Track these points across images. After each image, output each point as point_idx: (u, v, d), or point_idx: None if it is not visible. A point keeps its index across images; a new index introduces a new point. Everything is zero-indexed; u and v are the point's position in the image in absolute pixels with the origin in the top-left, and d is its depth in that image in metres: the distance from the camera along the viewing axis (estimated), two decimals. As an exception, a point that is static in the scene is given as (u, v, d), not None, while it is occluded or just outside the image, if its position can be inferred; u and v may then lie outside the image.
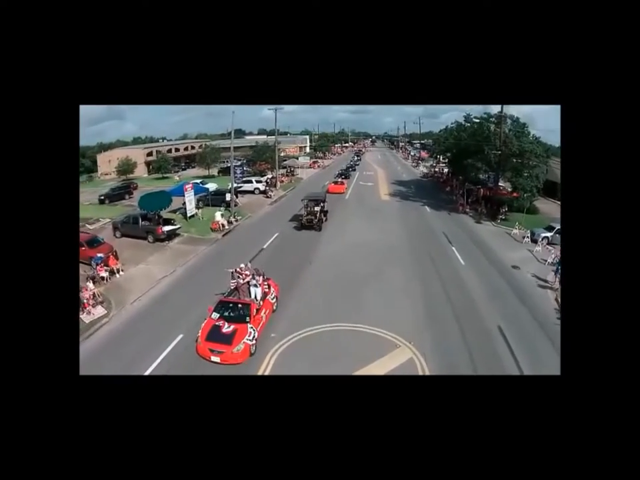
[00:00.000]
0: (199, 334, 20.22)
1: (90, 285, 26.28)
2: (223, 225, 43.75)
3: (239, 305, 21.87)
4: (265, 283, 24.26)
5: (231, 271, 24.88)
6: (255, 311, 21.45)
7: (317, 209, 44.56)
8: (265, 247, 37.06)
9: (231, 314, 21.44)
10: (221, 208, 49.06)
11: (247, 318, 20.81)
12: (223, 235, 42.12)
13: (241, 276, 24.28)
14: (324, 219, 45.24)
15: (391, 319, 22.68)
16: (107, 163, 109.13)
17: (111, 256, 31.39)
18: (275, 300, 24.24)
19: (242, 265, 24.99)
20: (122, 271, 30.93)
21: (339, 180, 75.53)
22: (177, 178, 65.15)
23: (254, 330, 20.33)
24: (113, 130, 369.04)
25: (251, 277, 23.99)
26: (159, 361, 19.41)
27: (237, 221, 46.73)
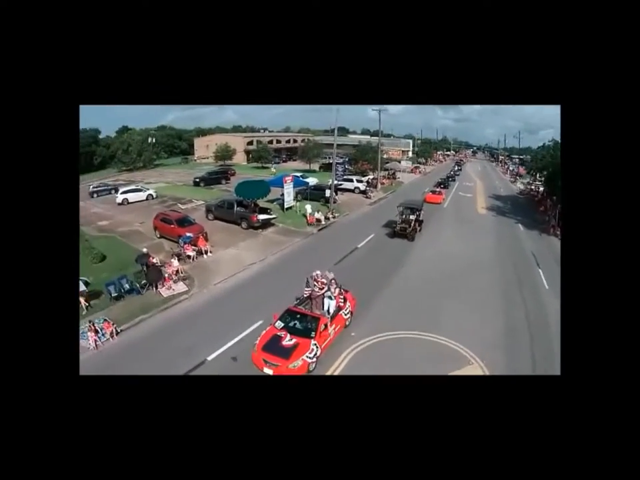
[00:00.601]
0: (257, 341, 18.92)
1: (175, 261, 27.11)
2: (319, 220, 43.70)
3: (307, 318, 20.17)
4: (341, 296, 22.11)
5: (307, 277, 22.25)
6: (323, 326, 19.52)
7: (412, 217, 41.85)
8: (359, 246, 36.79)
9: (297, 326, 19.83)
10: (309, 202, 48.94)
11: (313, 333, 19.07)
12: (319, 230, 42.01)
13: (316, 284, 21.60)
14: (418, 228, 42.29)
15: (468, 334, 22.24)
16: (205, 147, 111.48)
17: (201, 236, 31.91)
18: (349, 315, 22.26)
19: (318, 272, 21.87)
20: (210, 252, 31.42)
21: (438, 189, 70.76)
22: (273, 170, 64.82)
23: (317, 347, 18.72)
24: (212, 116, 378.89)
25: (326, 287, 21.65)
26: (234, 341, 19.97)
27: (334, 217, 46.47)
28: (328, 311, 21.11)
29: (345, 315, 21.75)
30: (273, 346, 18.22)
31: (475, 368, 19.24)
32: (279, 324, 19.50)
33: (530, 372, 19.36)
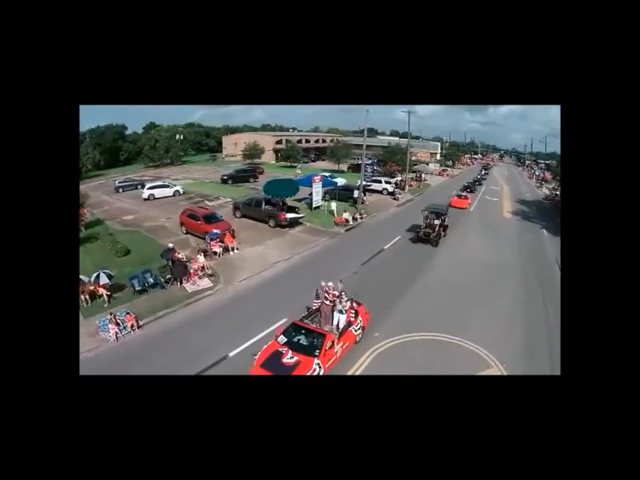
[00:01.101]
0: (257, 356, 17.51)
1: (200, 257, 27.24)
2: (347, 220, 43.79)
3: (313, 334, 18.59)
4: (352, 311, 20.26)
5: (317, 289, 20.74)
6: (329, 343, 17.82)
7: (437, 222, 40.40)
8: (385, 247, 36.79)
9: (301, 342, 18.30)
10: (337, 202, 49.00)
11: (317, 351, 17.47)
12: (346, 230, 42.03)
13: (327, 296, 19.95)
14: (443, 234, 41.42)
15: (489, 337, 22.31)
16: (233, 145, 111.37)
17: (228, 234, 32.13)
18: (359, 331, 20.49)
19: (330, 284, 20.27)
20: (237, 249, 31.60)
21: (464, 194, 68.40)
22: (298, 171, 64.66)
23: (320, 367, 16.99)
24: (240, 115, 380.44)
25: (338, 299, 20.02)
26: (257, 338, 19.91)
27: (362, 218, 46.40)
28: (337, 326, 19.54)
29: (356, 330, 20.14)
30: (272, 363, 16.80)
31: (494, 372, 19.26)
32: (282, 338, 18.12)
33: (549, 372, 19.42)
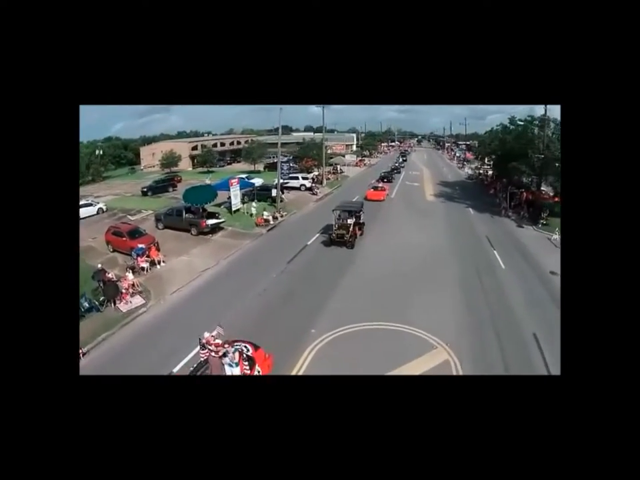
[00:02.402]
0: None
1: (129, 275, 26.82)
2: (268, 220, 44.11)
3: None
4: (246, 363, 16.98)
5: (200, 339, 17.53)
6: None
7: (351, 221, 38.35)
8: (309, 243, 37.37)
9: None
10: (256, 203, 49.32)
11: None
12: (268, 230, 42.40)
13: (210, 347, 17.05)
14: (359, 232, 39.61)
15: (429, 320, 22.71)
16: (151, 156, 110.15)
17: (153, 247, 31.81)
18: None
19: (207, 334, 17.24)
20: (163, 262, 31.46)
21: (380, 185, 66.94)
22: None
23: None
24: (158, 123, 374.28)
25: (222, 349, 17.01)
26: (194, 352, 19.16)
27: (282, 216, 46.90)
28: None
29: None
30: None
31: (440, 352, 19.77)
32: None
33: (496, 349, 20.26)
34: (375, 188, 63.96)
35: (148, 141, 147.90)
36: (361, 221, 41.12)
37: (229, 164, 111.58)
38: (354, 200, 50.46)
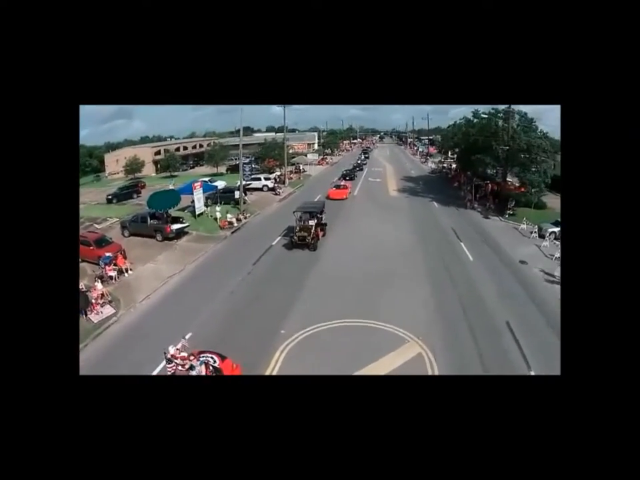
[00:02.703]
0: None
1: (98, 284, 26.43)
2: (232, 223, 44.01)
3: None
4: (214, 375, 16.77)
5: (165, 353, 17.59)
6: None
7: (312, 223, 37.52)
8: (273, 243, 37.46)
9: None
10: (219, 206, 49.19)
11: None
12: (232, 233, 42.27)
13: (177, 360, 17.08)
14: (321, 234, 38.80)
15: (400, 315, 22.69)
16: (115, 163, 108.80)
17: (120, 255, 31.55)
18: None
19: (172, 349, 17.26)
20: (131, 270, 31.13)
21: (342, 184, 66.23)
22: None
23: None
24: (122, 129, 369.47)
25: (188, 362, 17.09)
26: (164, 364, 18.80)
27: (245, 218, 46.85)
28: None
29: None
30: None
31: (413, 345, 19.88)
32: None
33: (470, 340, 20.47)
34: (337, 187, 63.51)
35: (112, 147, 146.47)
36: (323, 222, 40.76)
37: (192, 168, 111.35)
38: (315, 200, 50.60)
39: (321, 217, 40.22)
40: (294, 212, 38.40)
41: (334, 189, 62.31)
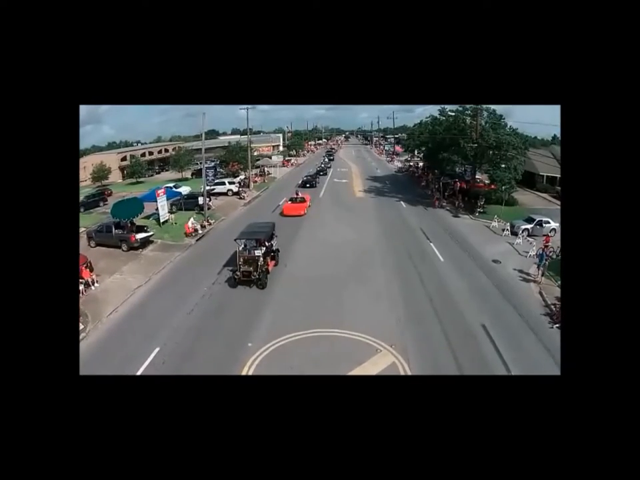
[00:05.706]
0: None
1: None
2: (197, 230, 43.59)
3: None
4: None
5: None
6: None
7: (259, 253, 29.27)
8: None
9: None
10: (184, 212, 49.19)
11: None
12: (197, 240, 41.98)
13: None
14: (272, 264, 31.29)
15: (370, 323, 22.34)
16: (82, 170, 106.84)
17: (84, 268, 30.73)
18: None
19: None
20: (97, 282, 30.58)
21: (299, 196, 55.29)
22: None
23: None
24: (90, 135, 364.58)
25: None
26: (138, 373, 19.06)
27: (210, 224, 46.55)
28: None
29: None
30: None
31: (386, 354, 19.49)
32: None
33: (444, 345, 20.21)
34: (293, 200, 53.59)
35: (80, 153, 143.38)
36: (274, 248, 33.08)
37: (157, 173, 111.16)
38: (263, 222, 37.46)
39: (271, 244, 32.71)
40: (235, 239, 30.25)
41: (289, 202, 53.09)
